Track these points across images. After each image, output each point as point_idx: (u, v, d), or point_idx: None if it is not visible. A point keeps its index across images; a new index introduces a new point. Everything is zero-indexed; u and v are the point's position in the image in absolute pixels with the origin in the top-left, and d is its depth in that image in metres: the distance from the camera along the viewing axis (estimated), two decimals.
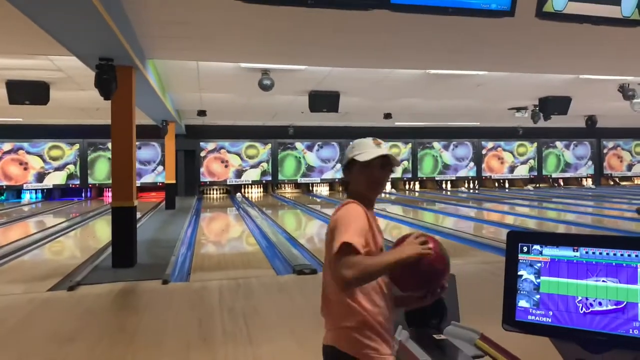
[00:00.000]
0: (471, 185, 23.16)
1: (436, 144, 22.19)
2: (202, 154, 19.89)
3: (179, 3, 4.98)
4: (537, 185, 23.27)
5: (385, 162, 1.76)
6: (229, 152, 20.10)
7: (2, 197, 18.65)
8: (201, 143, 19.81)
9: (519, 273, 1.36)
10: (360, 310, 1.63)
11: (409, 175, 21.99)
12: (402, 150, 21.84)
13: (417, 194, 20.65)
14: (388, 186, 22.18)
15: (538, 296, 1.34)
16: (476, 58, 7.54)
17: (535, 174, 23.25)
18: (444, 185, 22.91)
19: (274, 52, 7.21)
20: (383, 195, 20.29)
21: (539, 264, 1.35)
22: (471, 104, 13.28)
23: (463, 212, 13.42)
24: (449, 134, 21.79)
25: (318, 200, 18.15)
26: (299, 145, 20.77)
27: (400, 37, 6.20)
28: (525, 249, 1.36)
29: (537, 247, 1.36)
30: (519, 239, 1.38)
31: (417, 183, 22.63)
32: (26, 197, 18.95)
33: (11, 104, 9.41)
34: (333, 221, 1.66)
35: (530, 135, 21.53)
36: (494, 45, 6.65)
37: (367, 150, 1.77)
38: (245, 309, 4.71)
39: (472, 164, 22.51)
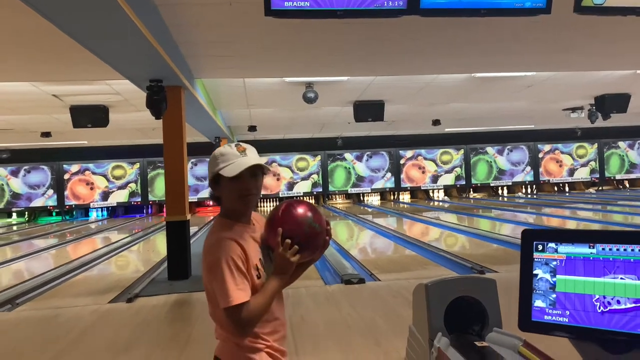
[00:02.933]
0: (529, 191, 22.31)
1: (490, 149, 21.56)
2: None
3: (221, 23, 5.17)
4: (600, 188, 22.08)
5: (256, 168, 1.66)
6: (280, 165, 20.43)
7: (72, 217, 19.81)
8: None
9: (535, 272, 1.31)
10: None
11: (463, 182, 21.47)
12: (453, 156, 21.37)
13: (472, 201, 20.13)
14: (441, 194, 21.78)
15: (554, 295, 1.28)
16: (520, 59, 7.32)
17: (598, 176, 22.07)
18: (499, 192, 22.20)
19: (315, 65, 7.32)
20: (435, 203, 19.93)
21: (554, 262, 1.29)
22: (523, 106, 12.85)
23: (521, 219, 12.95)
24: (502, 138, 21.12)
25: (369, 210, 18.06)
26: (348, 156, 20.80)
27: (438, 42, 6.13)
28: (540, 247, 1.31)
29: (552, 244, 1.30)
30: (533, 237, 1.33)
31: (471, 190, 22.06)
32: (93, 215, 20.03)
33: (75, 128, 10.03)
34: (207, 260, 1.61)
35: (590, 135, 20.51)
36: (536, 44, 6.44)
37: (232, 160, 1.64)
38: (292, 318, 4.75)
39: (528, 168, 21.67)
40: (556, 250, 1.30)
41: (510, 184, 21.78)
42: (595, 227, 10.59)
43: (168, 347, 4.15)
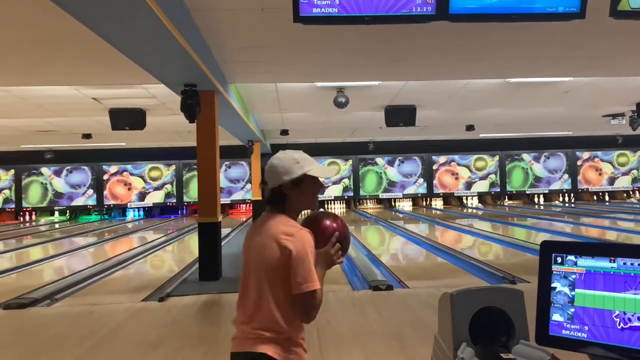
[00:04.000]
0: (566, 199, 21.66)
1: (526, 156, 21.05)
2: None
3: (253, 29, 5.25)
4: None
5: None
6: None
7: (110, 216, 20.43)
8: None
9: (553, 285, 1.27)
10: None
11: (497, 189, 21.02)
12: (488, 163, 20.96)
13: (506, 208, 19.69)
14: (475, 201, 21.38)
15: (573, 309, 1.24)
16: (556, 64, 7.13)
17: None
18: (535, 199, 21.64)
19: (346, 70, 7.32)
20: (469, 210, 19.59)
21: (573, 276, 1.25)
22: (560, 112, 12.49)
23: (558, 228, 12.59)
24: (539, 145, 20.57)
25: (400, 215, 17.90)
26: (379, 160, 20.69)
27: (471, 46, 6.03)
28: (559, 259, 1.27)
29: (571, 257, 1.26)
30: (552, 249, 1.29)
31: (505, 197, 21.57)
32: (130, 214, 20.59)
33: (114, 130, 10.34)
34: (296, 247, 1.70)
35: (632, 143, 19.75)
36: (574, 49, 6.26)
37: (315, 164, 1.81)
38: (319, 321, 4.74)
39: (566, 176, 21.04)
40: (575, 264, 1.26)
41: (547, 191, 21.20)
42: (637, 239, 10.19)
43: (196, 346, 4.22)
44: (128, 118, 9.96)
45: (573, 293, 1.26)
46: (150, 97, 9.07)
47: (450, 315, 2.72)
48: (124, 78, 7.22)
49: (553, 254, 1.30)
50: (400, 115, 10.33)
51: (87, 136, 13.85)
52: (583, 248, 1.28)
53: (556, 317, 1.28)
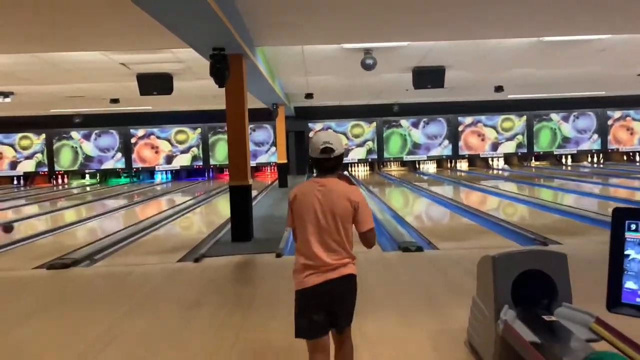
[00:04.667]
0: (595, 160, 21.17)
1: (554, 116, 20.51)
2: (311, 134, 20.38)
3: None
4: None
5: None
6: (335, 131, 20.35)
7: (139, 179, 20.82)
8: (309, 124, 20.32)
9: (626, 252, 1.25)
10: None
11: (524, 150, 20.63)
12: (515, 123, 20.51)
13: (533, 169, 19.37)
14: (501, 162, 21.06)
15: None
16: (595, 21, 6.82)
17: None
18: (563, 160, 21.21)
19: (375, 30, 7.14)
20: (495, 171, 19.34)
21: None
22: (593, 71, 12.05)
23: (585, 189, 12.36)
24: (568, 105, 19.99)
25: (425, 178, 17.80)
26: (404, 122, 20.44)
27: (507, 4, 5.80)
28: (633, 226, 1.25)
29: None
30: (625, 215, 1.26)
31: (532, 158, 21.18)
32: (158, 177, 20.95)
33: (142, 95, 10.40)
34: (359, 199, 2.37)
35: None
36: (614, 4, 5.96)
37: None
38: None
39: (595, 136, 20.49)
40: None
41: (575, 152, 20.75)
42: None
43: (236, 306, 4.34)
44: (156, 83, 9.99)
45: None
46: (178, 62, 9.05)
47: (492, 278, 2.72)
48: (152, 42, 7.19)
49: (626, 221, 1.27)
50: (429, 76, 10.11)
51: (115, 101, 13.97)
52: None
53: (630, 284, 1.26)
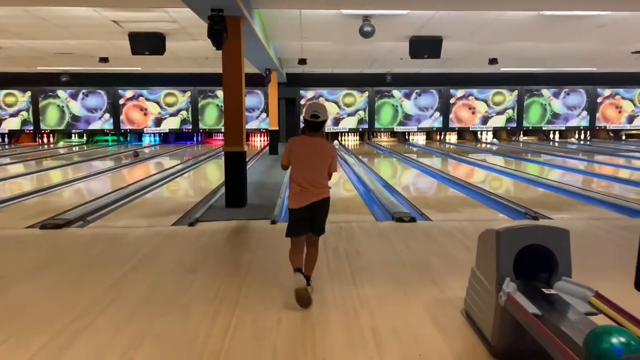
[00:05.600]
0: (582, 136, 21.39)
1: (545, 91, 20.56)
2: (302, 101, 20.20)
3: None
4: None
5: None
6: (327, 100, 20.22)
7: (127, 140, 20.54)
8: (301, 91, 20.09)
9: None
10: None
11: (513, 125, 20.74)
12: (506, 97, 20.53)
13: (521, 144, 19.52)
14: (489, 136, 21.17)
15: None
16: None
17: None
18: (551, 136, 21.39)
19: None
20: (484, 145, 19.45)
21: None
22: (588, 47, 12.03)
23: (571, 165, 12.53)
24: (560, 81, 20.03)
25: (414, 149, 17.84)
26: (396, 93, 20.32)
27: None
28: None
29: None
30: None
31: (521, 133, 21.32)
32: (146, 140, 20.68)
33: (133, 55, 10.14)
34: (333, 154, 3.71)
35: None
36: None
37: None
38: (348, 251, 4.88)
39: (585, 113, 20.65)
40: None
41: (563, 128, 20.92)
42: None
43: (233, 271, 4.37)
44: (148, 42, 9.74)
45: None
46: (171, 22, 8.80)
47: (495, 251, 2.76)
48: (149, 0, 6.96)
49: None
50: (426, 46, 10.01)
51: (104, 60, 13.61)
52: None
53: None
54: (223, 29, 6.25)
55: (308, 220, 3.60)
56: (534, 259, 2.82)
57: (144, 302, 3.64)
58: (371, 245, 5.11)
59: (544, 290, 2.67)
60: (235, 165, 7.08)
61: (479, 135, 21.28)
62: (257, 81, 15.33)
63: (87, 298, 3.70)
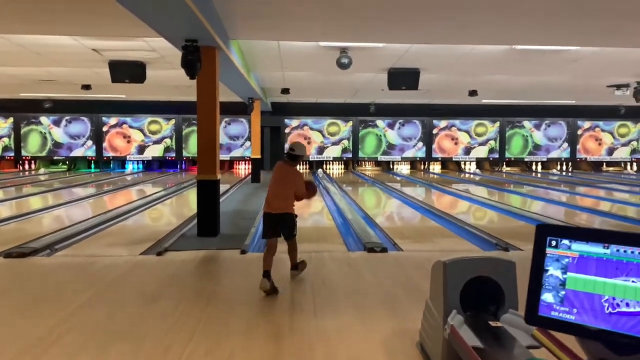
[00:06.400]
0: (564, 168, 21.72)
1: (527, 123, 20.96)
2: (287, 130, 20.36)
3: None
4: None
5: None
6: (311, 129, 20.42)
7: (109, 168, 20.46)
8: (286, 120, 20.28)
9: (546, 267, 1.30)
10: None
11: (496, 156, 21.03)
12: (488, 128, 20.89)
13: (504, 175, 19.75)
14: (473, 166, 21.43)
15: (563, 292, 1.26)
16: (567, 32, 6.99)
17: (639, 156, 21.26)
18: (533, 167, 21.69)
19: (351, 30, 7.17)
20: (467, 175, 19.66)
21: (566, 259, 1.27)
22: (564, 80, 12.35)
23: (554, 196, 12.67)
24: (541, 113, 20.47)
25: (398, 178, 17.96)
26: (380, 123, 20.59)
27: (482, 12, 5.90)
28: (553, 242, 1.29)
29: (565, 241, 1.27)
30: (547, 232, 1.31)
31: (504, 164, 21.61)
32: (129, 167, 20.62)
33: (113, 82, 10.22)
34: (298, 178, 4.74)
35: (634, 114, 19.68)
36: (587, 16, 6.12)
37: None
38: (314, 282, 4.85)
39: (565, 144, 21.03)
40: (569, 248, 1.27)
41: (545, 159, 21.25)
42: (630, 209, 10.28)
43: (194, 300, 4.32)
44: (128, 71, 9.83)
45: (565, 276, 1.29)
46: (151, 51, 8.91)
47: (442, 282, 2.78)
48: (124, 30, 7.07)
49: (548, 237, 1.31)
50: (404, 78, 10.21)
51: (86, 87, 13.69)
52: (578, 233, 1.30)
53: (547, 297, 1.30)
54: (197, 59, 6.34)
55: (276, 227, 4.62)
56: (483, 291, 2.83)
57: (99, 333, 3.57)
58: (339, 275, 5.09)
59: (490, 322, 2.67)
60: (208, 193, 7.08)
61: (462, 166, 21.52)
62: (242, 109, 15.49)
63: (41, 328, 3.62)
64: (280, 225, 4.61)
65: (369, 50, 8.62)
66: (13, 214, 9.20)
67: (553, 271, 1.29)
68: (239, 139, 20.36)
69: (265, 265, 4.43)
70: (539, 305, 1.30)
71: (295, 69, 10.98)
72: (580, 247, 1.26)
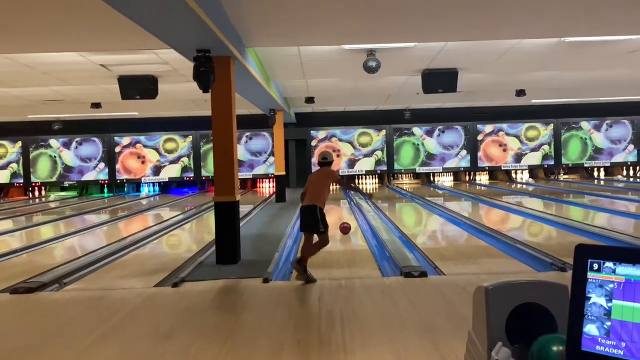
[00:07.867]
0: (631, 173, 21.04)
1: (585, 124, 20.46)
2: (313, 143, 20.45)
3: None
4: None
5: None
6: (340, 140, 20.45)
7: (123, 191, 20.94)
8: (312, 132, 20.39)
9: (588, 295, 1.24)
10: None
11: (551, 162, 20.56)
12: (541, 132, 20.47)
13: (561, 184, 19.28)
14: (525, 175, 21.01)
15: (609, 323, 1.21)
16: (623, 20, 6.82)
17: None
18: (595, 173, 21.10)
19: (378, 30, 7.19)
20: (518, 186, 19.27)
21: (611, 285, 1.22)
22: (625, 74, 12.03)
23: (620, 207, 12.28)
24: (601, 111, 19.94)
25: (439, 192, 17.75)
26: (417, 130, 20.45)
27: (522, 3, 5.83)
28: (595, 266, 1.24)
29: (609, 264, 1.22)
30: (588, 254, 1.25)
31: (561, 171, 21.12)
32: (145, 190, 21.06)
33: (123, 99, 10.51)
34: (334, 178, 6.20)
35: None
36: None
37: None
38: (344, 312, 4.82)
39: (631, 146, 20.39)
40: (614, 271, 1.22)
41: (608, 164, 20.64)
42: None
43: (212, 337, 4.33)
44: (138, 86, 10.09)
45: (610, 304, 1.23)
46: (162, 63, 9.14)
47: (484, 311, 2.70)
48: (132, 43, 7.28)
49: (589, 260, 1.27)
50: (440, 79, 10.14)
51: (96, 105, 14.12)
52: (623, 254, 1.24)
53: (590, 328, 1.25)
54: (210, 70, 6.46)
55: (302, 219, 6.02)
56: (532, 319, 2.74)
57: None
58: (371, 305, 5.04)
59: None
60: (226, 216, 7.15)
61: (513, 175, 21.13)
62: (263, 122, 15.62)
63: None
64: (305, 216, 5.85)
65: (398, 51, 8.61)
66: (22, 245, 9.50)
67: (596, 299, 1.24)
68: (261, 155, 20.56)
69: (299, 252, 6.08)
70: (582, 338, 1.25)
71: (319, 75, 11.05)
72: (627, 271, 1.21)
